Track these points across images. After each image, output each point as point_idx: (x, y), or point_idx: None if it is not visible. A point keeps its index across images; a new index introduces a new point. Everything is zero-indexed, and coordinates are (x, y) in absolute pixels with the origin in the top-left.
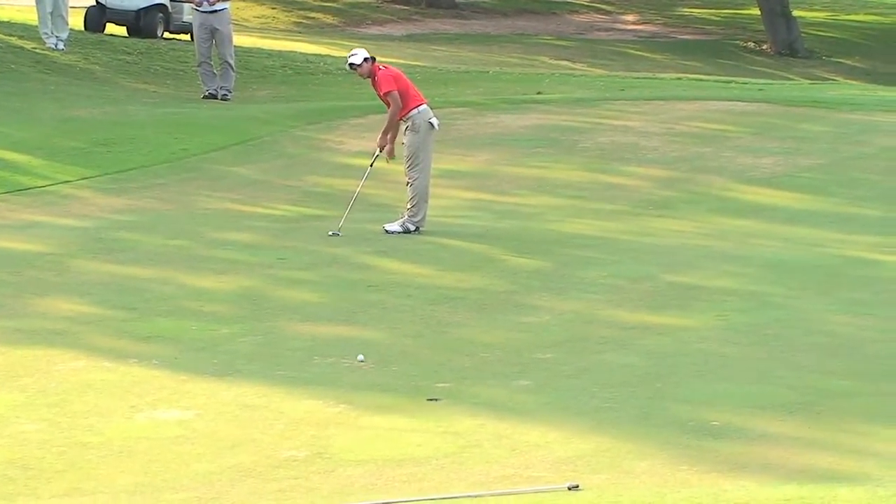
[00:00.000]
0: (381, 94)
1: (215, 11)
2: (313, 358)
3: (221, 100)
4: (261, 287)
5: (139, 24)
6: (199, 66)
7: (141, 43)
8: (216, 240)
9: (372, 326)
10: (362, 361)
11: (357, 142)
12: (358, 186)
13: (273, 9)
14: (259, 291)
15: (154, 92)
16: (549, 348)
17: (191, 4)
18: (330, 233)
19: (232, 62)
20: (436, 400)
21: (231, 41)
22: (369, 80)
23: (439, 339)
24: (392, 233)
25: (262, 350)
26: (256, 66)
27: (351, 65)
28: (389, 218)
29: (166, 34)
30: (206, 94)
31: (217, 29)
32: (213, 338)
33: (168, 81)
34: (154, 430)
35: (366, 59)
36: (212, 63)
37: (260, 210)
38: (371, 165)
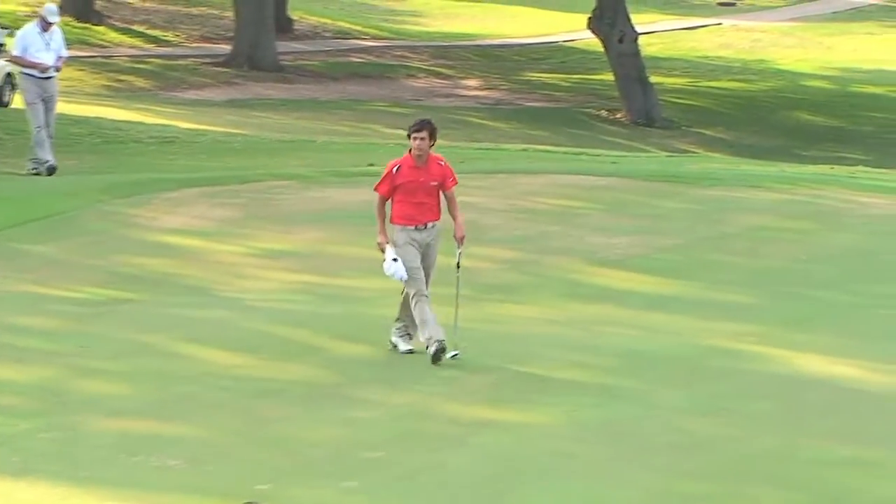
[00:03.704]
0: (453, 187)
1: (50, 78)
2: (119, 456)
3: (49, 174)
4: (62, 377)
5: None
6: (37, 133)
7: None
8: (12, 325)
9: (184, 422)
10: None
11: (170, 217)
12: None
13: (80, 70)
14: (60, 382)
15: None
16: (380, 446)
17: (31, 71)
18: (450, 355)
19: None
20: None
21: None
22: (422, 159)
23: (259, 435)
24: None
25: (64, 448)
26: (61, 133)
27: (432, 132)
28: (205, 302)
29: None
30: (35, 169)
31: (52, 95)
32: (10, 434)
33: None
34: None
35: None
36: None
37: (61, 293)
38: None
